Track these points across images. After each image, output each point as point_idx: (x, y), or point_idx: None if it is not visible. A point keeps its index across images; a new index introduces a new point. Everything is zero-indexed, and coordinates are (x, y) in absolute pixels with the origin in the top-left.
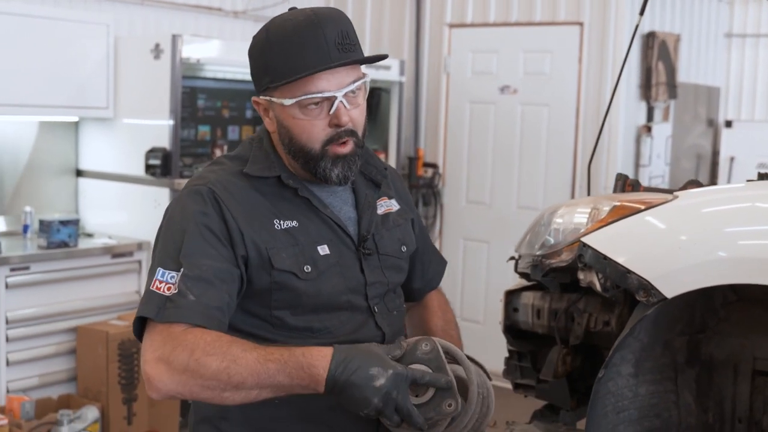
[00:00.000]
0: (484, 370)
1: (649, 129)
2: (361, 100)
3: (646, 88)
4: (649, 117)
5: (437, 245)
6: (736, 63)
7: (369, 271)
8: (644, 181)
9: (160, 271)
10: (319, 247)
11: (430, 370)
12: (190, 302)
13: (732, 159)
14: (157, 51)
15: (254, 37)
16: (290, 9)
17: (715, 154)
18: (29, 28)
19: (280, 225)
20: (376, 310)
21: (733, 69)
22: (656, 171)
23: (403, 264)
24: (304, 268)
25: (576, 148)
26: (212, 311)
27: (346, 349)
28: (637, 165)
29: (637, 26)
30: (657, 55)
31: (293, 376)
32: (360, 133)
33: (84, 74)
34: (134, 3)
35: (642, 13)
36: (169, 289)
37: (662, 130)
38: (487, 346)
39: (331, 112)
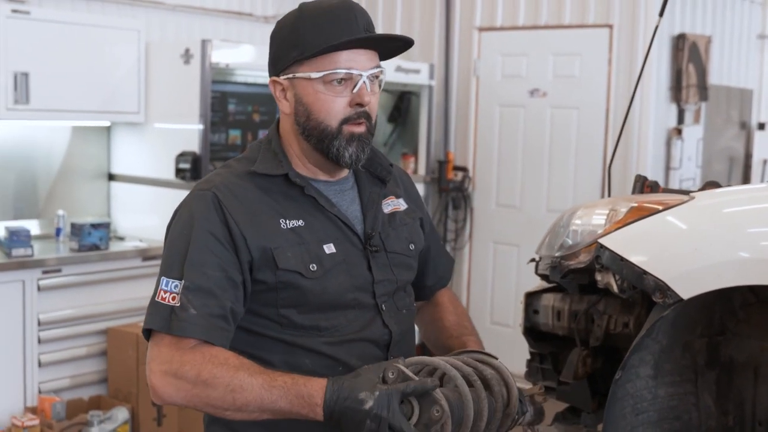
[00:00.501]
0: (495, 368)
1: (679, 131)
2: (377, 89)
3: (677, 91)
4: (680, 119)
5: (467, 249)
6: None
7: (377, 268)
8: (675, 184)
9: (164, 280)
10: (324, 246)
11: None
12: (192, 316)
13: (765, 162)
14: (187, 56)
15: (280, 21)
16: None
17: (748, 156)
18: (62, 35)
19: (286, 224)
20: (384, 308)
21: (767, 71)
22: (687, 174)
23: (412, 262)
24: (310, 266)
25: (606, 151)
26: (216, 322)
27: (340, 379)
28: (667, 168)
29: (656, 27)
30: (687, 57)
31: (294, 404)
32: (373, 121)
33: (116, 79)
34: (166, 9)
35: (661, 14)
36: (173, 299)
37: (693, 132)
38: (517, 350)
39: (355, 90)
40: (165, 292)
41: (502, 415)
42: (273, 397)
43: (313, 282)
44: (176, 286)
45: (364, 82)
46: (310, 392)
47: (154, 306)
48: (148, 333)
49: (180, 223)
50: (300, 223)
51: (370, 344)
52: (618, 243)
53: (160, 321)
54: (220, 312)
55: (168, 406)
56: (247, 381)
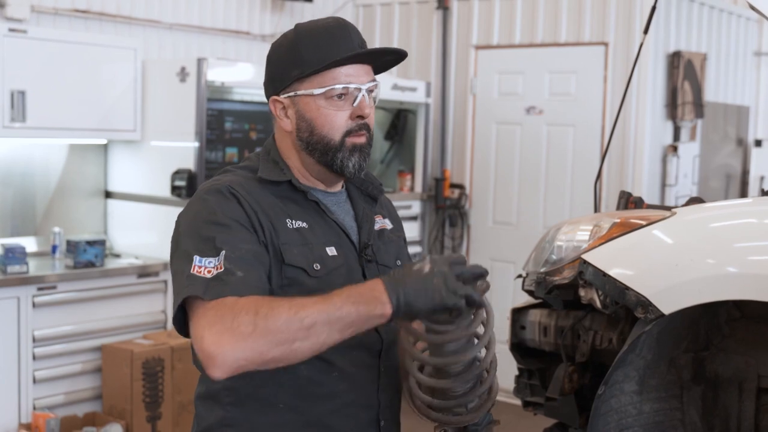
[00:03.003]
0: None
1: (675, 148)
2: (374, 103)
3: (672, 108)
4: (676, 136)
5: None
6: (766, 82)
7: (370, 277)
8: (671, 201)
9: (197, 258)
10: (327, 248)
11: None
12: (239, 278)
13: (762, 178)
14: (182, 74)
15: (276, 42)
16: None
17: (745, 173)
18: (59, 53)
19: (292, 224)
20: None
21: (763, 88)
22: (683, 191)
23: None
24: (314, 265)
25: (602, 168)
26: (260, 287)
27: (387, 274)
28: (663, 185)
29: (641, 45)
30: (683, 75)
31: (358, 303)
32: (371, 132)
33: (112, 98)
34: (163, 27)
35: (646, 32)
36: (209, 272)
37: (689, 149)
38: (512, 367)
39: (355, 104)
40: (200, 267)
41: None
42: (336, 303)
43: (317, 281)
44: (211, 262)
45: (363, 95)
46: (369, 286)
47: (191, 278)
48: (180, 321)
49: (198, 214)
50: (304, 224)
51: (364, 350)
52: (601, 258)
53: (201, 288)
54: (260, 284)
55: (162, 423)
56: (306, 300)
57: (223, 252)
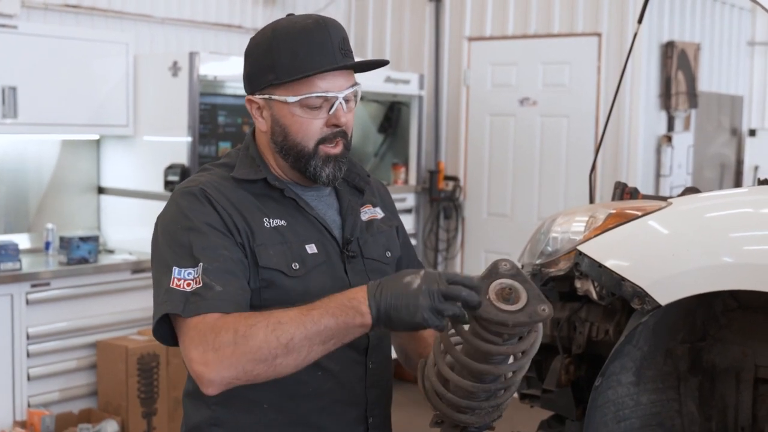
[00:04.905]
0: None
1: (669, 139)
2: (353, 106)
3: (666, 98)
4: (670, 127)
5: (459, 258)
6: (760, 71)
7: (353, 273)
8: (665, 191)
9: (176, 270)
10: (307, 246)
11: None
12: (218, 293)
13: (756, 168)
14: (174, 69)
15: (255, 38)
16: (288, 15)
17: (739, 163)
18: (51, 49)
19: (270, 223)
20: None
21: (757, 77)
22: (678, 181)
23: (388, 269)
24: (293, 265)
25: (596, 159)
26: (239, 299)
27: (377, 280)
28: (658, 175)
29: (635, 34)
30: (676, 65)
31: (338, 315)
32: (349, 137)
33: (104, 93)
34: (155, 22)
35: (640, 21)
36: (188, 285)
37: (683, 139)
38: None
39: (331, 112)
40: (179, 279)
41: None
42: (314, 317)
43: (296, 281)
44: (190, 273)
45: (340, 103)
46: (350, 296)
47: (169, 293)
48: (161, 331)
49: (174, 219)
50: (282, 222)
51: (350, 348)
52: (597, 249)
53: (180, 305)
54: (241, 291)
55: (157, 419)
56: (283, 315)
57: (201, 265)
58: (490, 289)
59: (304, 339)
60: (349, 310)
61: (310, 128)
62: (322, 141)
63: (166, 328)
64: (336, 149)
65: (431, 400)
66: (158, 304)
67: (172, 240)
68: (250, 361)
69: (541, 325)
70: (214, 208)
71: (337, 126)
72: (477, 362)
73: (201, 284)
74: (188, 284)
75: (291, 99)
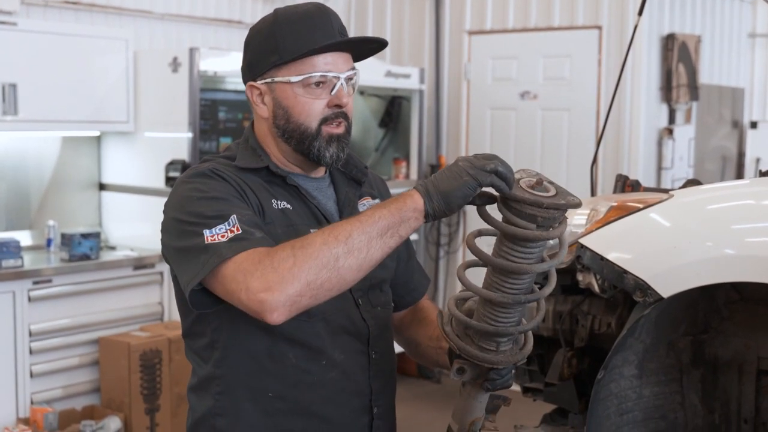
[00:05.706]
0: None
1: (670, 131)
2: (352, 92)
3: (667, 91)
4: (671, 119)
5: (460, 253)
6: (761, 63)
7: None
8: (667, 184)
9: (206, 231)
10: (311, 230)
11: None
12: (260, 238)
13: (758, 160)
14: (175, 64)
15: (255, 26)
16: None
17: (741, 155)
18: (50, 45)
19: (277, 204)
20: (360, 302)
21: (758, 69)
22: (679, 173)
23: (387, 261)
24: None
25: (597, 152)
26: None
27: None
28: (659, 168)
29: (635, 27)
30: (677, 57)
31: (389, 204)
32: (350, 121)
33: (104, 89)
34: (154, 18)
35: (640, 13)
36: (223, 236)
37: (685, 132)
38: None
39: (333, 92)
40: (215, 235)
41: None
42: (368, 212)
43: None
44: (223, 227)
45: (342, 83)
46: (401, 195)
47: (210, 249)
48: (195, 297)
49: (188, 196)
50: (288, 206)
51: (352, 337)
52: (598, 242)
53: (225, 251)
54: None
55: (160, 415)
56: (335, 224)
57: (234, 216)
58: (521, 183)
59: (362, 233)
60: (398, 197)
61: (313, 108)
62: (325, 121)
63: (199, 296)
64: (339, 129)
65: (454, 342)
66: (198, 268)
67: (192, 212)
68: (313, 267)
69: (567, 218)
70: (227, 181)
71: (338, 107)
72: (512, 261)
73: (240, 231)
74: (223, 236)
75: (294, 78)
